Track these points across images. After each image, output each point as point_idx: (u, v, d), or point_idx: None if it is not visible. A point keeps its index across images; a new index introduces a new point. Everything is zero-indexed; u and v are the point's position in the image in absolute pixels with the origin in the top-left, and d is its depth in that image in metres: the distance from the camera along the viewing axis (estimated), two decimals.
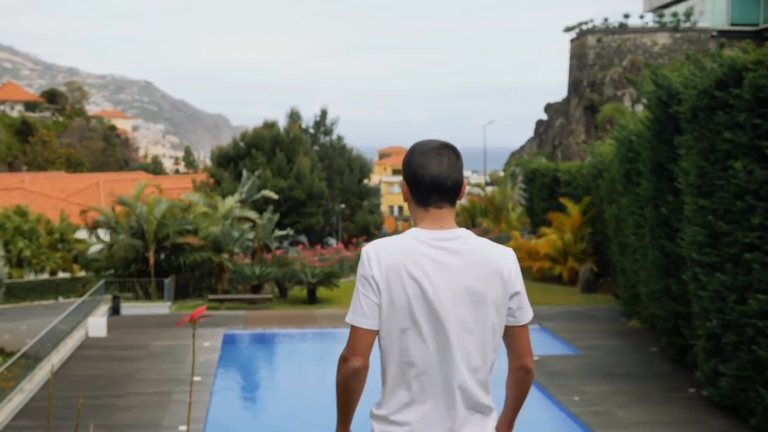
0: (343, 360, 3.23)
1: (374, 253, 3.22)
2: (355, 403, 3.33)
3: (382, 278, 3.18)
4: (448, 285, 3.18)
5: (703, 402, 13.55)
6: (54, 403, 14.38)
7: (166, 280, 25.29)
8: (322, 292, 26.14)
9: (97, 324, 19.96)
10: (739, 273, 12.10)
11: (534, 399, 14.62)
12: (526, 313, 3.33)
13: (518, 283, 3.30)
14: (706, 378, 13.30)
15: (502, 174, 69.76)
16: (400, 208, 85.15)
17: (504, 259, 3.27)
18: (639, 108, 43.05)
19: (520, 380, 3.41)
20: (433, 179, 3.23)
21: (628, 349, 17.65)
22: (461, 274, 3.19)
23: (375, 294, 3.19)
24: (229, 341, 19.50)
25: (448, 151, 3.29)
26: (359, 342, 3.19)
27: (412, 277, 3.16)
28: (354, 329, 3.21)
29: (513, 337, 3.34)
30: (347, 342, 3.23)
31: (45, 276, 40.16)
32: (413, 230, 3.28)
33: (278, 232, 29.99)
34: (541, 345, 18.81)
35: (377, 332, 3.22)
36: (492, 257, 3.24)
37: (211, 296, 25.59)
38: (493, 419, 3.35)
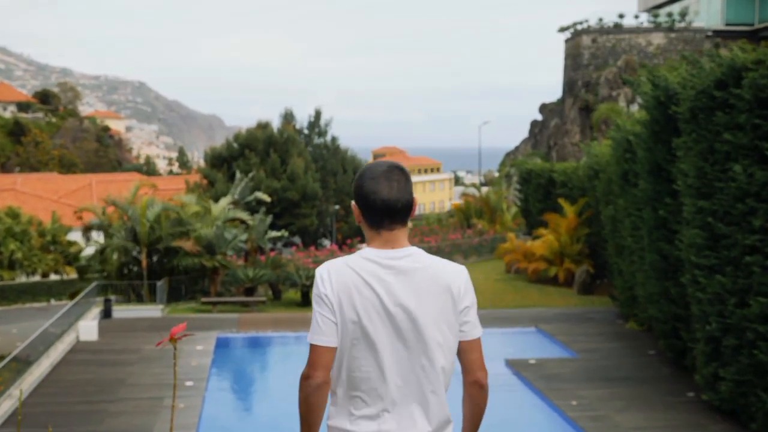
0: (305, 378, 3.33)
1: (326, 274, 3.34)
2: (319, 420, 3.42)
3: (334, 297, 3.30)
4: (397, 303, 3.28)
5: (702, 406, 13.37)
6: (44, 410, 14.15)
7: (159, 283, 25.05)
8: None
9: (88, 327, 19.73)
10: (739, 276, 11.91)
11: (532, 403, 14.45)
12: (474, 329, 3.42)
13: (468, 299, 3.40)
14: (706, 382, 13.12)
15: (496, 174, 69.59)
16: None
17: (454, 275, 3.38)
18: (634, 108, 42.95)
19: (475, 396, 3.48)
20: (384, 203, 3.34)
21: (626, 352, 17.47)
22: (410, 292, 3.30)
23: (330, 312, 3.31)
24: (222, 345, 19.27)
25: (397, 173, 3.39)
26: (319, 359, 3.30)
27: (361, 295, 3.29)
28: (314, 347, 3.32)
29: (464, 352, 3.44)
30: (308, 360, 3.34)
31: (37, 278, 39.94)
32: (365, 250, 3.40)
33: (272, 234, 29.73)
34: (539, 348, 18.65)
35: (336, 349, 3.33)
36: (442, 274, 3.35)
37: (204, 299, 25.34)
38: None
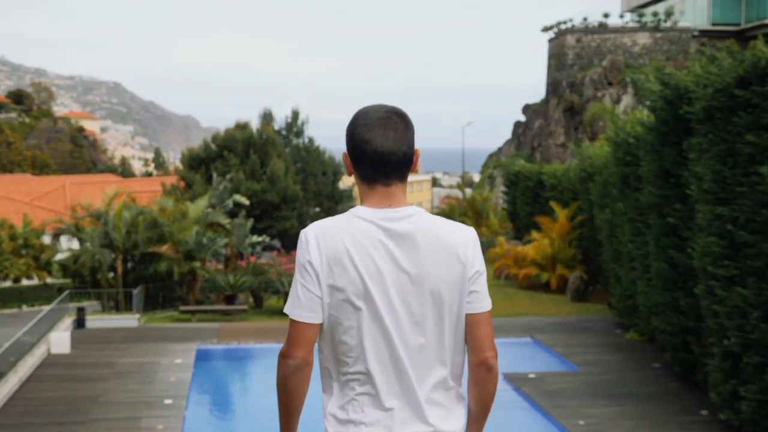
0: (282, 356, 2.90)
1: (313, 237, 2.89)
2: (299, 406, 3.00)
3: (322, 265, 2.85)
4: (396, 270, 2.85)
5: (719, 426, 12.51)
6: None
7: (135, 291, 23.95)
8: None
9: (60, 339, 18.61)
10: (764, 288, 11.06)
11: (536, 423, 13.56)
12: (483, 300, 2.99)
13: (477, 263, 2.97)
14: (723, 400, 12.26)
15: (476, 177, 68.81)
16: None
17: (461, 237, 2.95)
18: (620, 108, 42.28)
19: (481, 380, 3.02)
20: (376, 155, 2.90)
21: (629, 365, 16.59)
22: (411, 258, 2.86)
23: (315, 284, 2.87)
24: (202, 357, 18.23)
25: (395, 120, 2.94)
26: (300, 336, 2.88)
27: (353, 263, 2.84)
28: (293, 323, 2.90)
29: (471, 327, 2.99)
30: (287, 336, 2.91)
31: (8, 284, 38.67)
32: (358, 208, 2.95)
33: (253, 239, 28.65)
34: (537, 360, 17.76)
35: (320, 325, 2.90)
36: (447, 236, 2.92)
37: (182, 308, 24.25)
38: (460, 413, 3.01)
